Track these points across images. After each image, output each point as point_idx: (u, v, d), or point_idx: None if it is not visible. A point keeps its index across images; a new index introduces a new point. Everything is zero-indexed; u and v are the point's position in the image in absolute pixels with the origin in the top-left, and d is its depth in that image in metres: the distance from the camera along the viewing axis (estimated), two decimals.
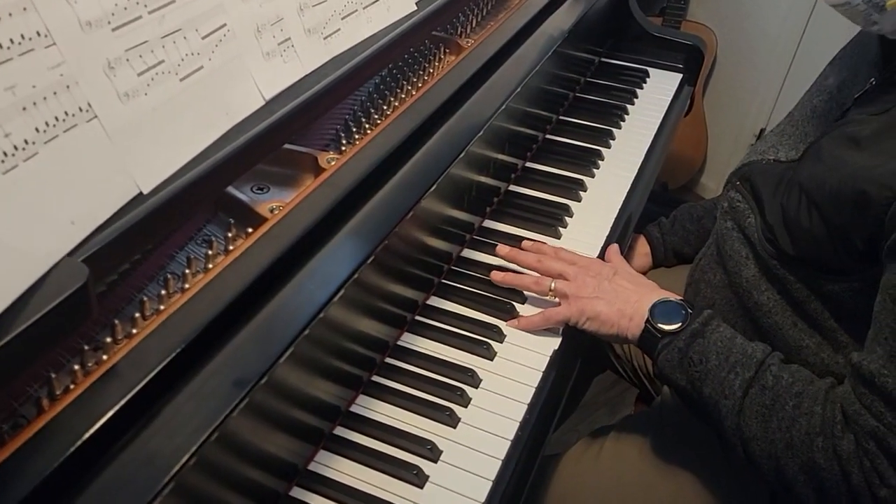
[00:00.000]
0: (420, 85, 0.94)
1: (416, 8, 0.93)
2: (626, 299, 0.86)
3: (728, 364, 0.76)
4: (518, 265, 0.95)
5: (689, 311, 0.81)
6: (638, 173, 1.20)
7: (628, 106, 1.35)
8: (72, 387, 0.53)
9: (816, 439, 0.69)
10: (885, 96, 0.77)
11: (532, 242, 0.99)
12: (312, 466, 0.72)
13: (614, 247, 1.01)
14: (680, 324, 0.80)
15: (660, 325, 0.82)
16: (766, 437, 0.72)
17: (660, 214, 1.22)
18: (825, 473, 0.68)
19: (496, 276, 0.93)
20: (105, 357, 0.56)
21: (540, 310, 0.90)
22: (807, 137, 0.85)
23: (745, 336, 0.80)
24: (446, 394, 0.80)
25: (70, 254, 0.51)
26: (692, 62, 1.48)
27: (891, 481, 0.65)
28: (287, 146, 0.78)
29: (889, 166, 0.66)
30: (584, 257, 0.95)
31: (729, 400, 0.75)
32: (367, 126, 0.85)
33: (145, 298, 0.60)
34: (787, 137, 0.89)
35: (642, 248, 1.20)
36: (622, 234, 1.09)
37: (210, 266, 0.64)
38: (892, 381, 0.65)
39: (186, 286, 0.62)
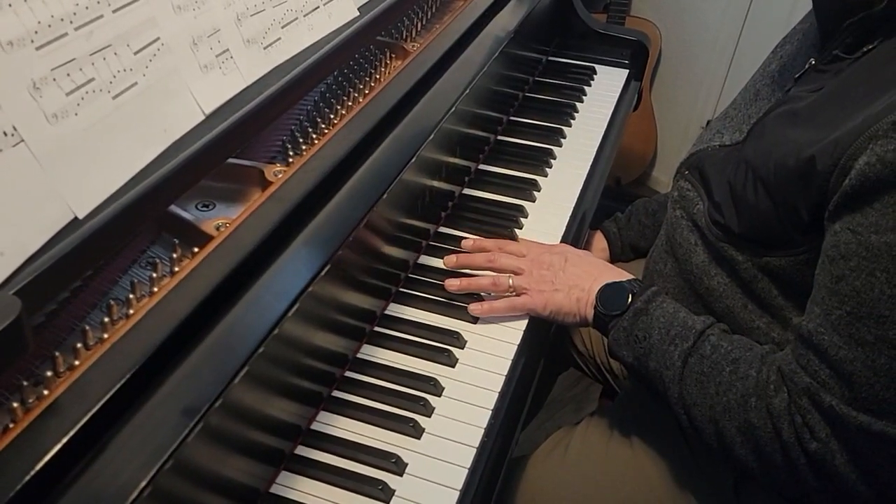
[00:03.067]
0: (367, 91, 0.92)
1: (358, 13, 0.92)
2: (581, 287, 0.89)
3: (669, 337, 0.79)
4: (470, 270, 0.95)
5: (634, 291, 0.84)
6: (590, 170, 1.20)
7: (577, 104, 1.36)
8: (11, 426, 0.50)
9: (750, 399, 0.71)
10: (821, 75, 0.79)
11: (472, 241, 0.98)
12: (274, 489, 0.70)
13: None
14: (624, 305, 0.83)
15: (605, 310, 0.85)
16: (706, 403, 0.74)
17: (614, 209, 1.23)
18: (759, 432, 0.71)
19: (451, 284, 0.92)
20: (46, 392, 0.53)
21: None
22: (750, 119, 0.87)
23: None
24: (409, 405, 0.79)
25: (0, 287, 0.48)
26: (637, 57, 1.49)
27: (820, 435, 0.67)
28: (231, 160, 0.76)
29: (832, 136, 0.68)
30: (530, 245, 0.97)
31: (670, 370, 0.77)
32: (314, 136, 0.83)
33: (87, 327, 0.57)
34: (731, 121, 0.91)
35: (599, 244, 1.21)
36: (578, 231, 1.09)
37: (155, 289, 0.62)
38: (827, 337, 0.66)
39: (131, 312, 0.60)
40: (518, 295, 0.90)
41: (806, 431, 0.68)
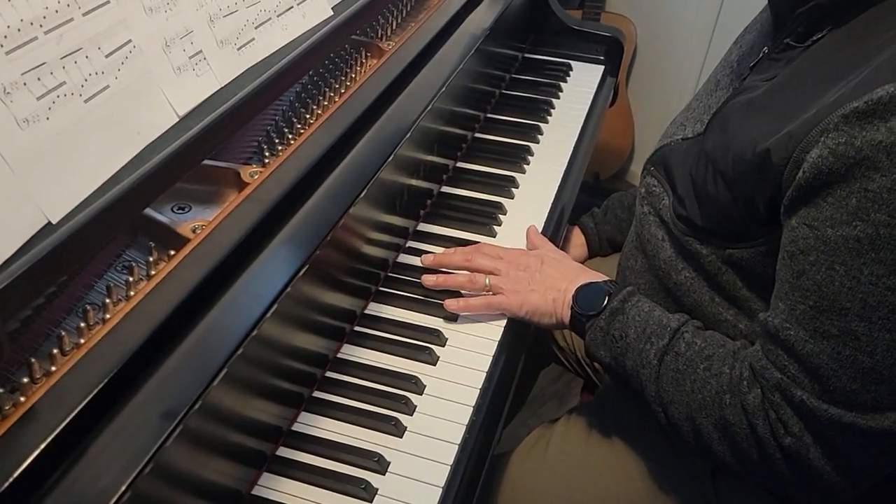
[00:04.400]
0: (342, 91, 0.92)
1: (332, 13, 0.92)
2: (557, 288, 0.89)
3: (644, 336, 0.79)
4: (447, 268, 0.95)
5: (610, 291, 0.84)
6: (568, 166, 1.21)
7: (554, 100, 1.36)
8: None
9: (724, 396, 0.72)
10: (774, 63, 0.80)
11: (452, 250, 0.98)
12: (256, 491, 0.70)
13: (533, 227, 1.04)
14: (601, 305, 0.84)
15: (582, 310, 0.85)
16: (682, 401, 0.75)
17: (594, 205, 1.24)
18: (735, 428, 0.71)
19: (428, 280, 0.92)
20: (23, 399, 0.53)
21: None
22: (710, 109, 0.88)
23: None
24: (391, 403, 0.79)
25: None
26: (613, 53, 1.50)
27: (794, 429, 0.68)
28: (207, 162, 0.76)
29: (787, 129, 0.68)
30: (508, 249, 0.97)
31: (646, 369, 0.78)
32: (290, 136, 0.83)
33: (63, 333, 0.57)
34: (693, 112, 0.92)
35: (577, 239, 1.22)
36: (556, 227, 1.10)
37: (132, 293, 0.62)
38: (793, 332, 0.67)
39: (107, 316, 0.59)
40: (494, 294, 0.91)
41: (780, 427, 0.68)
